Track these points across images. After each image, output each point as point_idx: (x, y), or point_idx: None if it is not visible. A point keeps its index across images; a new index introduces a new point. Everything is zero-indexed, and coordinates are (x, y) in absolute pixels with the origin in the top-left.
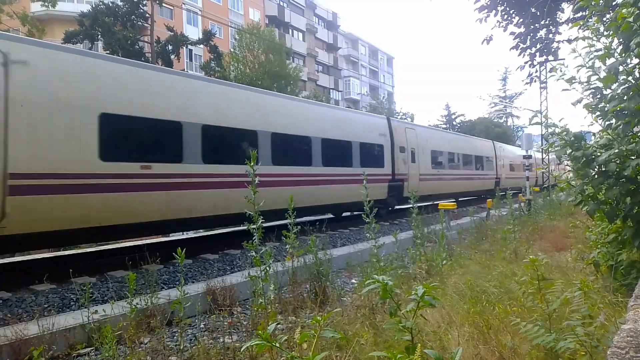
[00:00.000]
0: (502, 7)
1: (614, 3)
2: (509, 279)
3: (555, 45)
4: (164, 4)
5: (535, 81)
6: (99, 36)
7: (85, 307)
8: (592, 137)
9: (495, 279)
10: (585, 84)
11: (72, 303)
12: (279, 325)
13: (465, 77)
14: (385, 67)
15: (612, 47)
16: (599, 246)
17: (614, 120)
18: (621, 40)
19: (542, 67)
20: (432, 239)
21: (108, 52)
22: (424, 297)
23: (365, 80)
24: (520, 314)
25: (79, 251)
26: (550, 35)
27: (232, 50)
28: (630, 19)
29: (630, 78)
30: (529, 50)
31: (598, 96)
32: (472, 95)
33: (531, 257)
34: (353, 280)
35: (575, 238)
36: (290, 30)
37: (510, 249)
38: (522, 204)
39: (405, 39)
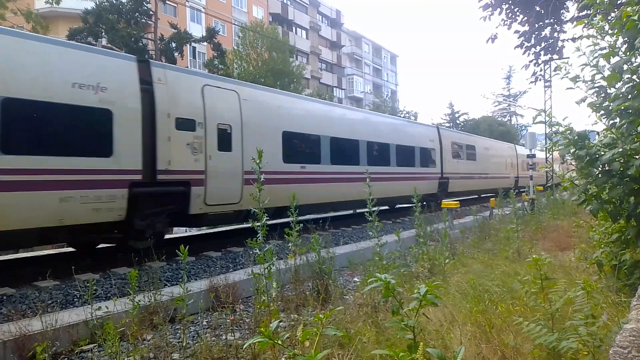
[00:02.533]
0: (507, 5)
1: (618, 2)
2: (511, 278)
3: (560, 43)
4: (167, 2)
5: (540, 80)
6: (103, 33)
7: (89, 304)
8: (596, 136)
9: (498, 278)
10: (589, 82)
11: (75, 299)
12: (281, 323)
13: (469, 75)
14: (389, 65)
15: (617, 46)
16: (602, 246)
17: (618, 119)
18: (626, 38)
19: (547, 66)
20: (435, 238)
21: (112, 49)
22: (427, 295)
23: (369, 78)
24: (523, 314)
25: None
26: (555, 34)
27: (235, 47)
28: (635, 17)
29: (634, 77)
30: (533, 49)
31: (602, 95)
32: (476, 94)
33: (534, 256)
34: (355, 279)
35: (578, 238)
36: (293, 28)
37: (513, 248)
38: (526, 203)
39: (409, 37)
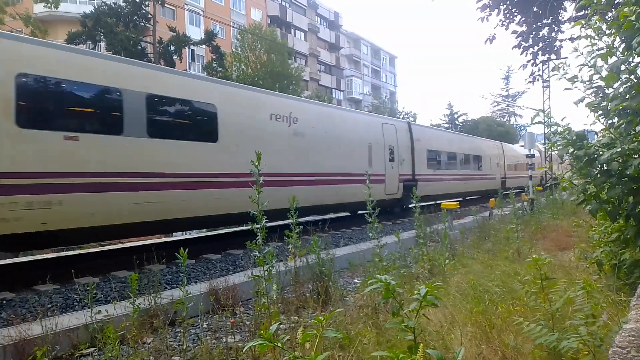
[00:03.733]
0: (505, 6)
1: (616, 1)
2: (511, 279)
3: (557, 44)
4: (166, 5)
5: (537, 80)
6: (102, 37)
7: (89, 307)
8: (595, 136)
9: (498, 278)
10: (587, 82)
11: (75, 303)
12: (281, 325)
13: (468, 76)
14: (388, 66)
15: (614, 46)
16: (602, 245)
17: (616, 119)
18: (623, 38)
19: (545, 66)
20: (435, 239)
21: (111, 52)
22: (427, 296)
23: (368, 79)
24: (523, 314)
25: (82, 251)
26: (553, 34)
27: (234, 50)
28: (632, 18)
29: (632, 77)
30: (531, 49)
31: (600, 95)
32: (475, 94)
33: (534, 256)
34: (355, 280)
35: (578, 237)
36: (292, 30)
37: (513, 248)
38: (525, 203)
39: (407, 38)
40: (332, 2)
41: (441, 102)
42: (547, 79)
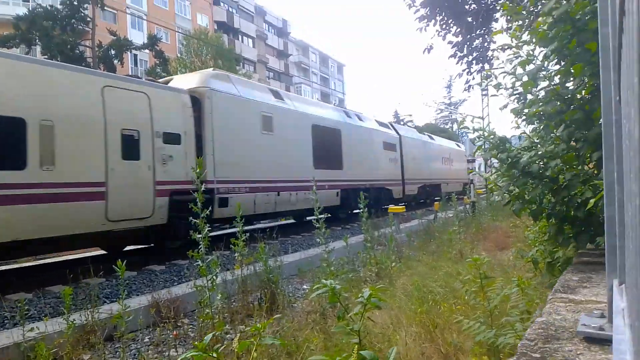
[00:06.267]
0: (441, 17)
1: (536, 10)
2: (453, 279)
3: (490, 53)
4: (106, 8)
5: (472, 88)
6: (37, 40)
7: (20, 325)
8: (519, 140)
9: (441, 279)
10: (510, 89)
11: (6, 321)
12: (227, 335)
13: (413, 83)
14: (336, 74)
15: (535, 55)
16: (537, 244)
17: (536, 124)
18: (541, 47)
19: (479, 75)
20: (383, 242)
21: (46, 56)
22: (370, 299)
23: (317, 87)
24: (464, 312)
25: (15, 266)
26: (486, 44)
27: (179, 55)
28: (545, 27)
29: (551, 83)
30: (466, 59)
31: (522, 101)
32: (420, 101)
33: (474, 256)
34: (304, 286)
35: (515, 237)
36: (240, 37)
37: (456, 250)
38: (467, 206)
39: (354, 47)
40: (280, 9)
41: (388, 108)
42: (485, 87)
